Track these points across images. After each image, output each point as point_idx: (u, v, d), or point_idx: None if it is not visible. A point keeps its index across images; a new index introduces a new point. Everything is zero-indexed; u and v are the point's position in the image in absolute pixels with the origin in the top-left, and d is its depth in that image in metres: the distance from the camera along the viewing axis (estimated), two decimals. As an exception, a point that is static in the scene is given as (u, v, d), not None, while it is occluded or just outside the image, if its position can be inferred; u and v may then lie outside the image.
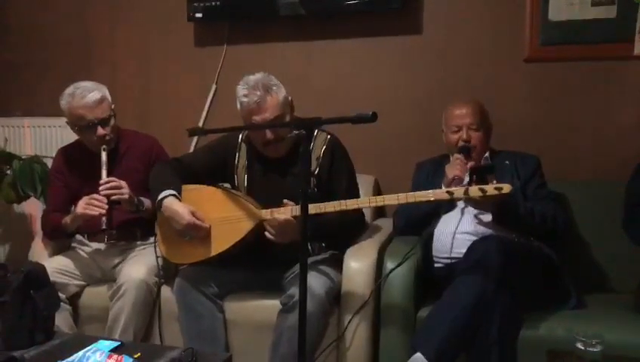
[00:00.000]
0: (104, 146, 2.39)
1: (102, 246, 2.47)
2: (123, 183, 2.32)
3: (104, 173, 2.34)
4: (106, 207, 2.25)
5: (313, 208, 1.97)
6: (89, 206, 2.26)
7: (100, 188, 2.28)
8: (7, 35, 3.43)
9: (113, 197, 2.28)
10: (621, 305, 2.07)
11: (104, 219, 2.25)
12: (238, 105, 2.16)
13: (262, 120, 2.11)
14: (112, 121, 2.44)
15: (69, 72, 2.74)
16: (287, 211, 2.04)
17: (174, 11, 3.06)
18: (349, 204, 2.01)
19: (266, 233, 2.07)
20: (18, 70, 3.41)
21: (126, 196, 2.31)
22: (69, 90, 2.39)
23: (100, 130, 2.38)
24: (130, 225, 2.46)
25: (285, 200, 2.05)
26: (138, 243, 2.48)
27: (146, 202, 2.39)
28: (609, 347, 1.50)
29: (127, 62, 3.25)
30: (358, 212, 2.26)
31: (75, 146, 2.56)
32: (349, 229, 2.26)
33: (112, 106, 2.45)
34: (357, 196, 2.22)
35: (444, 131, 2.39)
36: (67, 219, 2.38)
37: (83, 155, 2.49)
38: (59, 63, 3.31)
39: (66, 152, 2.57)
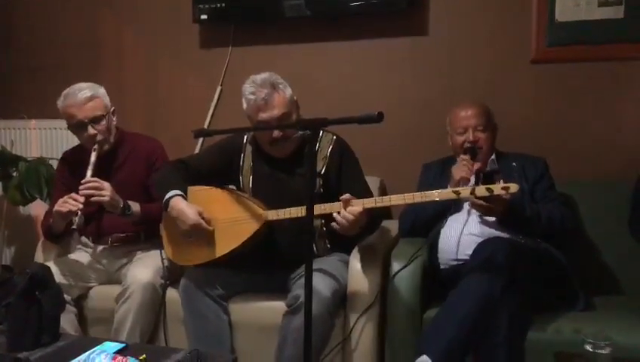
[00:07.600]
0: (95, 146, 2.35)
1: (107, 248, 2.47)
2: (106, 185, 2.28)
3: (89, 173, 2.29)
4: (80, 206, 2.20)
5: (318, 209, 1.96)
6: (64, 203, 2.22)
7: (80, 187, 2.25)
8: (15, 38, 3.45)
9: (92, 198, 2.25)
10: (630, 306, 2.06)
11: (75, 218, 2.20)
12: (245, 104, 2.15)
13: (269, 117, 2.11)
14: (105, 121, 2.38)
15: (76, 75, 2.73)
16: (359, 203, 1.95)
17: (180, 13, 3.07)
18: (356, 204, 1.98)
19: (333, 224, 1.97)
20: (26, 73, 3.42)
21: (106, 198, 2.26)
22: (64, 91, 2.39)
23: (90, 130, 2.35)
24: (134, 228, 2.44)
25: (347, 195, 1.95)
26: (142, 245, 2.47)
27: (134, 207, 2.36)
28: (618, 349, 1.49)
29: (133, 64, 3.26)
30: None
31: (77, 149, 2.54)
32: (377, 223, 2.19)
33: (108, 105, 2.42)
34: (371, 195, 2.20)
35: (450, 133, 2.38)
36: (52, 219, 2.35)
37: (84, 158, 2.42)
38: (66, 66, 3.31)
39: (68, 156, 2.57)
